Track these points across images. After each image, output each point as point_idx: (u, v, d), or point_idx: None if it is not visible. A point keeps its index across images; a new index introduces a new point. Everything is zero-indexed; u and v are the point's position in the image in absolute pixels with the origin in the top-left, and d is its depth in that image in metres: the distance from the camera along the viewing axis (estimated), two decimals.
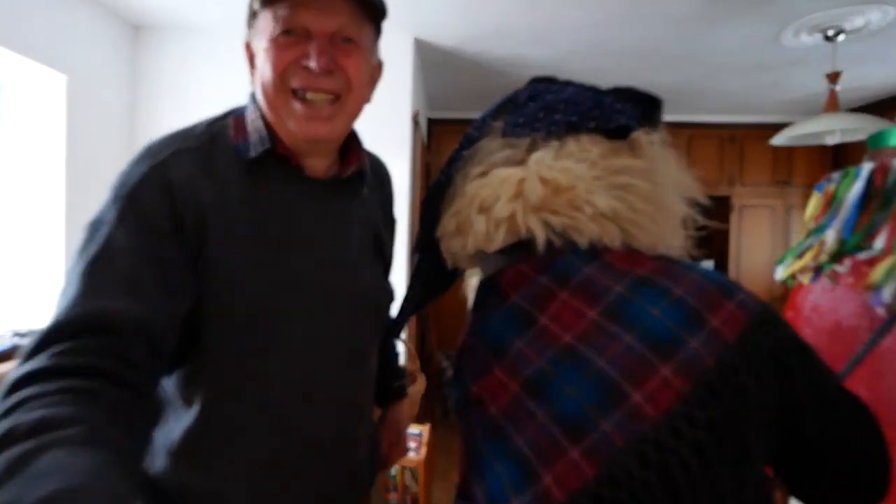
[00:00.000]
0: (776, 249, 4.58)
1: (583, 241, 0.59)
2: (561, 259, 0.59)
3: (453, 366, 0.67)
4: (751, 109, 4.34)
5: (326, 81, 0.73)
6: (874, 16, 2.45)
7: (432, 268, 0.74)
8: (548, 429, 0.51)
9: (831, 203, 1.15)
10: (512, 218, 0.60)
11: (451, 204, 0.67)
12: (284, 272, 0.75)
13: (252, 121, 0.78)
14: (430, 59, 3.12)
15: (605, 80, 0.76)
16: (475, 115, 2.81)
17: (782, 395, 0.52)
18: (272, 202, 0.76)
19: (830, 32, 2.58)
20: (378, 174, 0.97)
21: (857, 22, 2.51)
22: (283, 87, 0.73)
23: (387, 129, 2.67)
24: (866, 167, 1.12)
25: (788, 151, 4.59)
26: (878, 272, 1.04)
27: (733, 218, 4.61)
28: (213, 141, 0.76)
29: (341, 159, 0.85)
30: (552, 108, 0.65)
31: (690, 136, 4.59)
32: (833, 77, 2.62)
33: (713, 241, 4.82)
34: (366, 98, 0.82)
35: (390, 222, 1.01)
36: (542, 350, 0.55)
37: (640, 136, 0.64)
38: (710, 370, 0.49)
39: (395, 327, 0.84)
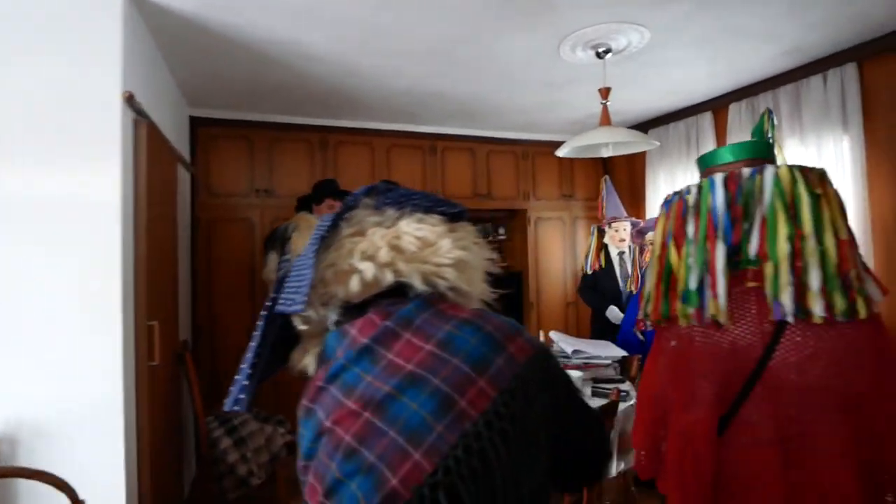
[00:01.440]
0: (567, 257, 4.94)
1: (442, 284, 0.80)
2: (404, 308, 0.75)
3: (303, 411, 0.75)
4: (541, 128, 4.60)
5: None
6: (634, 37, 2.64)
7: (279, 332, 0.85)
8: (396, 441, 0.64)
9: (686, 216, 1.17)
10: (390, 264, 0.78)
11: (322, 258, 0.82)
12: None
13: None
14: (169, 29, 2.43)
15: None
16: (255, 116, 3.08)
17: (552, 399, 0.74)
18: None
19: (601, 49, 2.72)
20: None
21: (622, 42, 2.69)
22: None
23: (73, 114, 1.90)
24: (718, 177, 1.14)
25: (571, 168, 5.00)
26: (768, 284, 1.06)
27: (530, 230, 4.84)
28: None
29: None
30: (410, 195, 0.86)
31: (489, 151, 4.70)
32: (604, 92, 2.77)
33: (515, 251, 5.01)
34: None
35: None
36: (388, 379, 0.69)
37: (465, 222, 0.89)
38: (510, 381, 0.69)
39: (238, 402, 0.83)
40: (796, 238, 1.04)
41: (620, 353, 2.65)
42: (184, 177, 3.35)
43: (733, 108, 3.66)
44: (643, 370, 1.31)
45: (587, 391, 2.31)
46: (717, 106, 3.82)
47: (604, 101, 2.79)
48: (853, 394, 1.02)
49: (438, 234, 0.82)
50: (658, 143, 2.76)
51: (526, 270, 4.85)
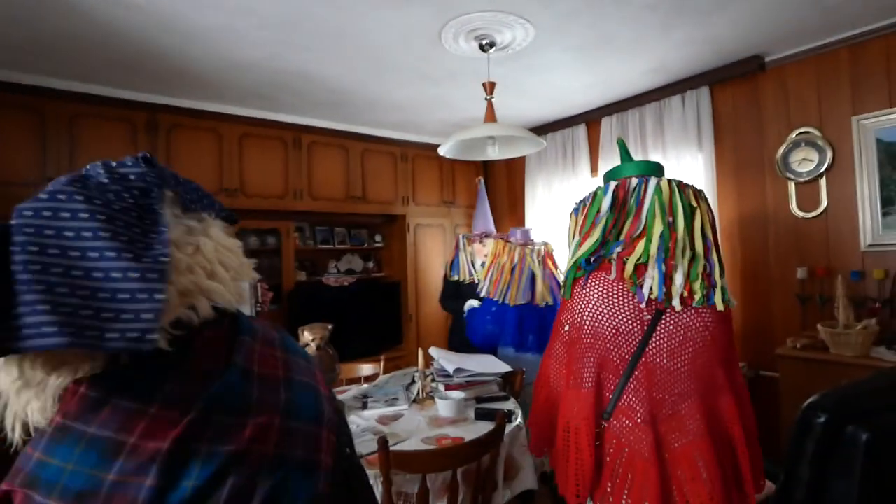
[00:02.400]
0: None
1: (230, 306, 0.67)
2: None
3: None
4: (421, 129, 4.45)
5: None
6: (519, 32, 2.59)
7: None
8: None
9: (588, 218, 1.32)
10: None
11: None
12: None
13: None
14: None
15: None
16: (48, 82, 2.55)
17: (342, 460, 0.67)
18: None
19: (485, 42, 2.63)
20: None
21: (507, 36, 2.62)
22: None
23: None
24: (612, 184, 1.33)
25: (452, 173, 4.92)
26: (628, 267, 1.21)
27: (409, 237, 4.64)
28: None
29: None
30: (202, 192, 0.73)
31: (365, 149, 4.42)
32: (489, 87, 2.68)
33: (393, 260, 4.78)
34: None
35: None
36: (35, 444, 0.57)
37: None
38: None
39: None
40: (671, 239, 1.20)
41: (504, 368, 2.51)
42: None
43: (605, 122, 3.82)
44: (545, 351, 1.36)
45: (470, 414, 2.12)
46: (592, 119, 3.98)
47: (489, 97, 2.69)
48: (711, 378, 1.17)
49: (238, 249, 0.72)
50: (545, 143, 2.72)
51: (404, 281, 4.63)
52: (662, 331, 1.17)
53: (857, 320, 2.52)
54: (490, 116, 2.66)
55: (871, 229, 2.68)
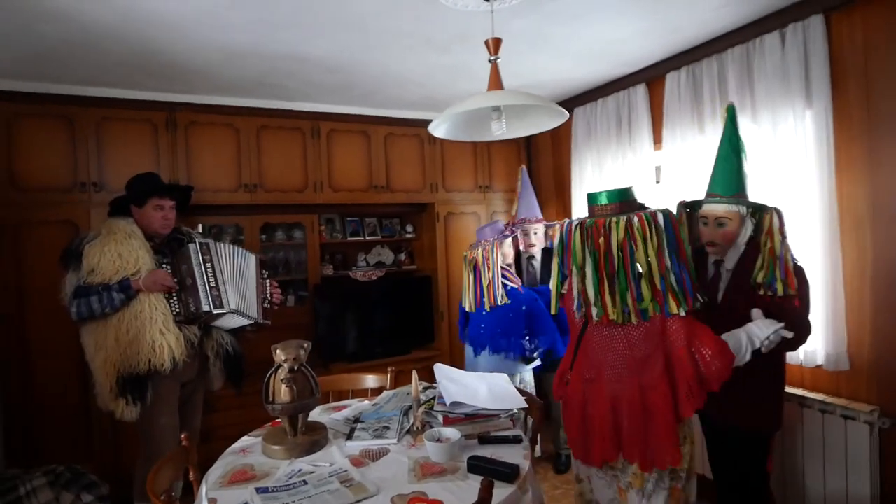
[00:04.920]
0: None
1: None
2: None
3: None
4: (447, 106, 3.76)
5: None
6: None
7: None
8: None
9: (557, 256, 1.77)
10: None
11: None
12: None
13: None
14: None
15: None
16: (73, 90, 2.87)
17: None
18: None
19: None
20: None
21: None
22: None
23: None
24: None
25: (488, 154, 4.21)
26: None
27: (439, 226, 4.03)
28: None
29: None
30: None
31: (388, 134, 3.86)
32: (493, 45, 1.97)
33: (424, 251, 4.20)
34: None
35: None
36: None
37: None
38: None
39: None
40: (601, 270, 1.60)
41: (518, 402, 1.90)
42: None
43: (671, 79, 2.94)
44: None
45: (461, 467, 1.52)
46: (653, 76, 3.10)
47: (493, 58, 1.98)
48: (634, 359, 1.62)
49: None
50: (567, 114, 1.99)
51: (435, 274, 4.05)
52: (591, 327, 1.72)
53: None
54: (494, 83, 1.96)
55: None
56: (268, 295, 2.51)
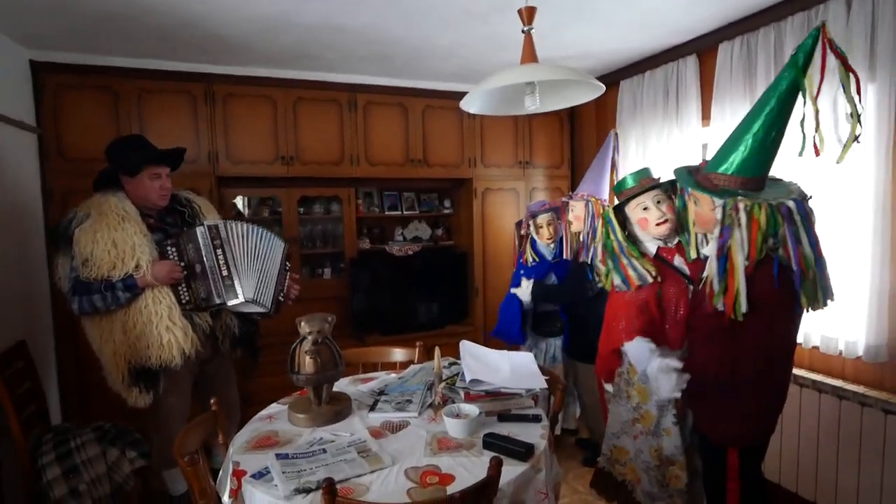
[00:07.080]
0: None
1: None
2: None
3: None
4: (480, 77, 3.68)
5: None
6: None
7: None
8: None
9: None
10: None
11: None
12: None
13: None
14: None
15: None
16: (117, 61, 2.98)
17: None
18: None
19: None
20: None
21: None
22: None
23: None
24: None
25: (528, 128, 4.11)
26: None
27: (476, 203, 3.99)
28: None
29: None
30: None
31: (426, 107, 3.82)
32: (528, 14, 1.89)
33: (462, 227, 4.18)
34: None
35: None
36: None
37: None
38: None
39: None
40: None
41: (540, 382, 1.88)
42: (21, 139, 2.80)
43: (723, 50, 2.76)
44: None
45: (477, 444, 1.53)
46: (703, 47, 2.92)
47: (527, 28, 1.90)
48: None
49: None
50: (603, 87, 1.89)
51: (471, 250, 4.04)
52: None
53: None
54: (528, 55, 1.89)
55: None
56: (284, 288, 2.30)
